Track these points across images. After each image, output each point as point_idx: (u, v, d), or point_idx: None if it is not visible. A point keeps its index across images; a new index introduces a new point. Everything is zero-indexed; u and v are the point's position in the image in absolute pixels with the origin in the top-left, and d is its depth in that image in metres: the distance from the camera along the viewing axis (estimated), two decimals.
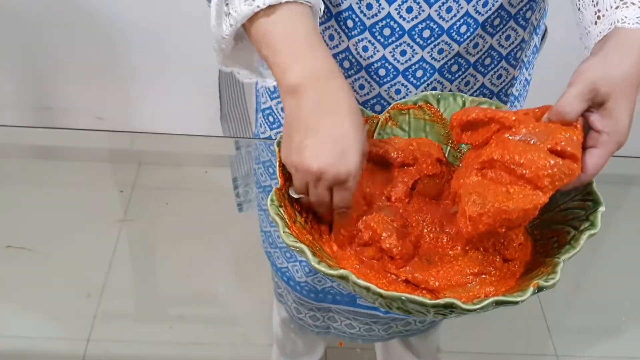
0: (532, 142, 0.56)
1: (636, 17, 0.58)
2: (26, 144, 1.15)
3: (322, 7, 0.61)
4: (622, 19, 0.58)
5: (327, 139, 0.55)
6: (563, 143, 0.55)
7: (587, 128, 0.58)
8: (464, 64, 0.75)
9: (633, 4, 0.58)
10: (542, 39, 0.86)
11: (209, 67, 1.18)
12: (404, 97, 0.75)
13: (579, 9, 0.64)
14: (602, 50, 0.58)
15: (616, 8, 0.59)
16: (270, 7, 0.57)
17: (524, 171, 0.55)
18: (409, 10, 0.69)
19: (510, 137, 0.58)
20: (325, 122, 0.56)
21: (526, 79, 0.84)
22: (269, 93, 0.88)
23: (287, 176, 0.64)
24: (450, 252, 0.62)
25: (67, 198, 1.11)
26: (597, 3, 0.61)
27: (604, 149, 0.56)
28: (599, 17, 0.60)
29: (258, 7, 0.57)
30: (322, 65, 0.57)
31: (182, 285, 1.03)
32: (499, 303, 0.52)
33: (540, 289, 0.53)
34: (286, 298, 1.00)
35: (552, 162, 0.55)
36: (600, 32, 0.60)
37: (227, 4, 0.60)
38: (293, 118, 0.57)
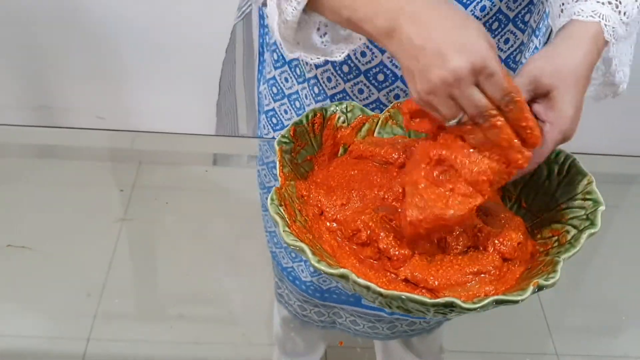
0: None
1: (591, 11, 0.59)
2: (26, 143, 1.15)
3: None
4: (578, 12, 0.59)
5: (443, 45, 0.52)
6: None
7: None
8: None
9: None
10: (547, 39, 0.86)
11: (209, 66, 1.18)
12: None
13: (550, 3, 0.66)
14: (554, 42, 0.59)
15: (575, 1, 0.60)
16: None
17: (465, 174, 0.57)
18: None
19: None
20: (431, 37, 0.53)
21: None
22: (272, 95, 0.88)
23: (287, 175, 0.64)
24: (450, 252, 0.62)
25: (67, 197, 1.11)
26: None
27: (546, 138, 0.57)
28: (562, 10, 0.62)
29: None
30: None
31: (182, 285, 1.03)
32: (499, 302, 0.52)
33: (540, 288, 0.53)
34: (288, 297, 1.00)
35: (494, 166, 0.56)
36: (559, 24, 0.61)
37: None
38: (402, 56, 0.54)
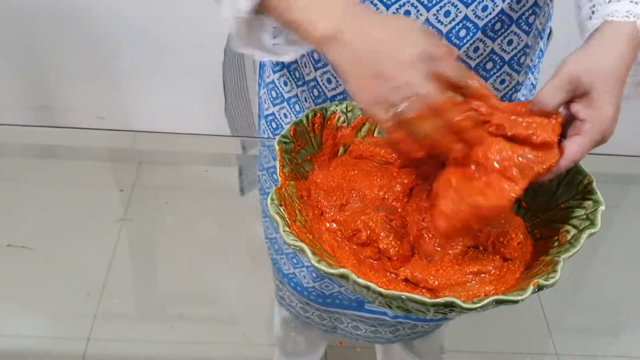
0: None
1: (626, 11, 0.59)
2: (26, 143, 1.15)
3: None
4: (612, 13, 0.59)
5: (393, 40, 0.54)
6: (533, 132, 0.56)
7: (573, 118, 0.59)
8: None
9: None
10: (547, 40, 0.86)
11: (209, 66, 1.19)
12: None
13: (579, 6, 0.65)
14: (589, 42, 0.59)
15: (608, 2, 0.60)
16: None
17: (491, 165, 0.56)
18: (407, 13, 0.69)
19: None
20: (379, 37, 0.55)
21: (532, 83, 0.84)
22: (271, 99, 0.88)
23: (287, 175, 0.64)
24: (450, 252, 0.62)
25: (67, 197, 1.11)
26: None
27: (585, 137, 0.57)
28: (593, 12, 0.62)
29: None
30: (339, 3, 0.57)
31: (182, 285, 1.03)
32: (499, 302, 0.52)
33: (540, 287, 0.53)
34: (290, 300, 1.00)
35: (519, 151, 0.55)
36: (593, 26, 0.61)
37: None
38: (348, 62, 0.56)
